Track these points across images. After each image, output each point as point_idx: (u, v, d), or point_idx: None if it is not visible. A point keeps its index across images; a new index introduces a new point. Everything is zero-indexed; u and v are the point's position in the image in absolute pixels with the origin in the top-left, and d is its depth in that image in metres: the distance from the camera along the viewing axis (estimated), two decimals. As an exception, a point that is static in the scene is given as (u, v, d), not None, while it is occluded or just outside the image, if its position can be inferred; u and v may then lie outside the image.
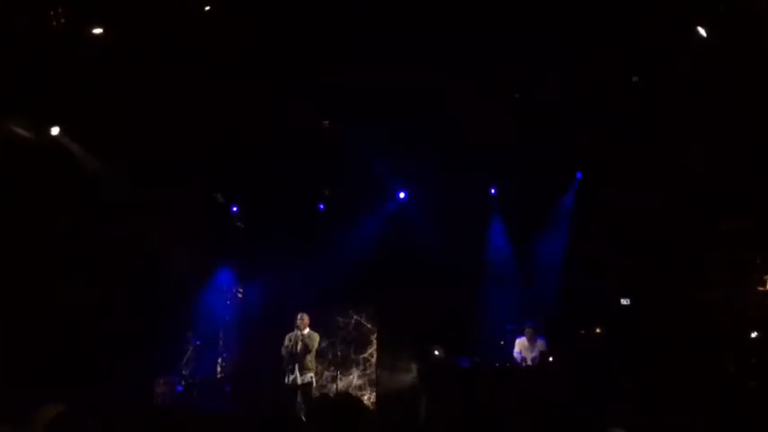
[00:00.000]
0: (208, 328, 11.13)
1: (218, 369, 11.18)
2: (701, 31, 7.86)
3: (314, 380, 9.52)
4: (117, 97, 8.72)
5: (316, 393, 9.62)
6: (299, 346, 9.29)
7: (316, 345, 9.44)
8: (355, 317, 11.30)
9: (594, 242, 10.36)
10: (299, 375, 9.28)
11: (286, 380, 9.34)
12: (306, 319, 9.42)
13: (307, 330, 9.40)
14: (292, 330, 9.39)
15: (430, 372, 9.65)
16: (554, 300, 10.71)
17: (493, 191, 11.71)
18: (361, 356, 11.26)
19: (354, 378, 11.22)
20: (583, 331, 9.90)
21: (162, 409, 8.61)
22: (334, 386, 10.69)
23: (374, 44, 8.13)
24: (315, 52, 8.46)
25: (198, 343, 10.54)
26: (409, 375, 10.69)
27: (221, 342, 11.43)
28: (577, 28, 8.11)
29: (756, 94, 7.95)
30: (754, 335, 8.82)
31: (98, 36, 7.96)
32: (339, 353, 10.79)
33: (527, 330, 9.86)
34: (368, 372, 11.21)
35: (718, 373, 8.58)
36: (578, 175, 11.20)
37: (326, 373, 10.93)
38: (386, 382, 11.06)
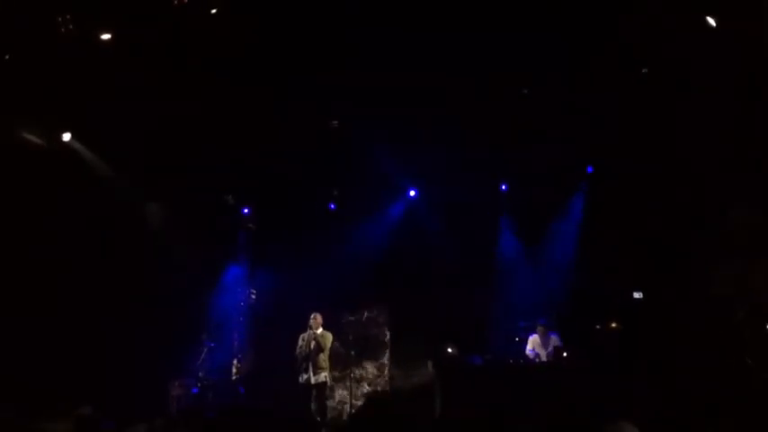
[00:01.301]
0: (222, 330, 11.18)
1: (234, 370, 11.21)
2: (704, 26, 7.81)
3: (328, 379, 9.54)
4: (126, 100, 8.77)
5: (329, 392, 9.65)
6: (312, 346, 9.33)
7: (329, 344, 9.47)
8: (368, 316, 11.30)
9: (606, 239, 10.30)
10: (312, 375, 9.32)
11: (300, 379, 9.38)
12: (319, 318, 9.46)
13: (320, 330, 9.44)
14: (305, 330, 9.43)
15: (443, 370, 9.64)
16: (566, 297, 10.67)
17: (504, 188, 11.68)
18: (374, 356, 11.25)
19: (368, 377, 11.21)
20: (598, 326, 9.84)
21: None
22: (349, 384, 10.67)
23: (384, 43, 8.15)
24: (324, 52, 8.48)
25: (212, 345, 10.58)
26: (422, 374, 10.67)
27: (235, 344, 11.47)
28: (577, 28, 8.11)
29: (759, 93, 7.91)
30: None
31: (105, 40, 8.01)
32: (352, 352, 10.78)
33: (539, 328, 9.86)
34: (381, 371, 11.21)
35: (737, 367, 8.50)
36: (589, 169, 11.15)
37: (339, 373, 10.91)
38: (399, 381, 11.05)
